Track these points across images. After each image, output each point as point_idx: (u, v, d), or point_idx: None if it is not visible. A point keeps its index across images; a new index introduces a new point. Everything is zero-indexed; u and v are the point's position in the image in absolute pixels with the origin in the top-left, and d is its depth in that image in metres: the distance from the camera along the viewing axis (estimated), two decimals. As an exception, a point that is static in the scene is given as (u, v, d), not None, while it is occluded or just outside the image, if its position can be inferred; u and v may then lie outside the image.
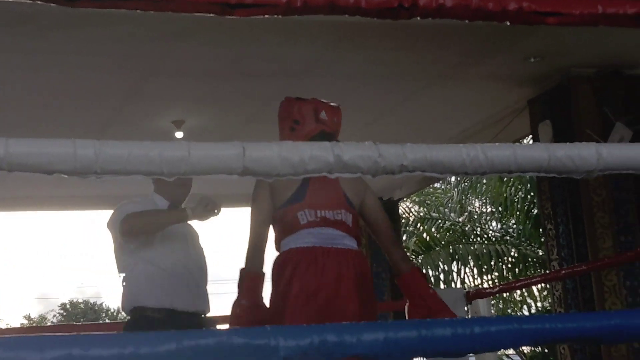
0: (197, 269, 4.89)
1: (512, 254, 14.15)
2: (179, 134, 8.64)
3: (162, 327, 4.42)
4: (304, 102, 4.16)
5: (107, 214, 5.04)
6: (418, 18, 1.90)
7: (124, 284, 4.89)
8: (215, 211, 4.70)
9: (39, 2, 1.69)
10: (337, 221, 3.94)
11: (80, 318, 45.25)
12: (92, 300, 51.15)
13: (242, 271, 3.95)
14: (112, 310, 51.29)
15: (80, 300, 50.69)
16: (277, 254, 4.08)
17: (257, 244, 3.98)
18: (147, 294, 4.76)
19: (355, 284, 3.85)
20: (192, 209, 4.69)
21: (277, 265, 3.95)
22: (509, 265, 14.12)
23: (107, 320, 44.71)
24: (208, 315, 4.98)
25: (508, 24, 1.94)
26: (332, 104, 4.19)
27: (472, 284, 14.07)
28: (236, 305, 3.91)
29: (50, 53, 6.70)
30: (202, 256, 5.00)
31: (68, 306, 49.78)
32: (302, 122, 4.09)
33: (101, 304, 51.29)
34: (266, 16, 1.80)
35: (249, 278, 3.91)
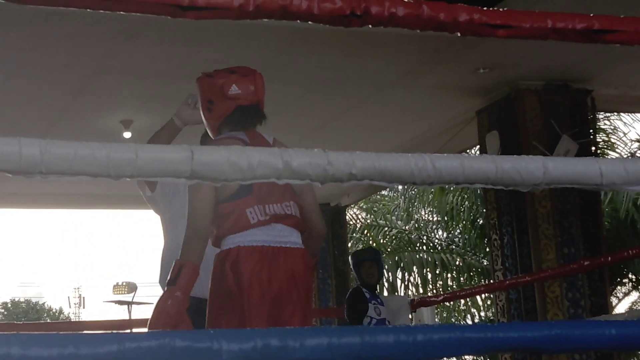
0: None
1: (457, 263, 14.23)
2: (127, 134, 8.59)
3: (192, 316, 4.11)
4: (213, 78, 3.93)
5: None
6: (369, 27, 1.91)
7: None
8: (190, 102, 4.54)
9: (-13, -2, 1.67)
10: (287, 215, 3.73)
11: (22, 317, 44.80)
12: (34, 300, 50.70)
13: (180, 262, 3.58)
14: (54, 310, 50.86)
15: (22, 299, 50.22)
16: (216, 249, 3.82)
17: (200, 235, 3.66)
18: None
19: (304, 285, 3.72)
20: (175, 113, 4.55)
21: (225, 262, 3.71)
22: (454, 274, 14.21)
23: (48, 320, 44.31)
24: None
25: (459, 35, 1.96)
26: (245, 72, 3.90)
27: (417, 292, 14.14)
28: (168, 298, 3.52)
29: (-2, 49, 6.63)
30: None
31: (9, 305, 49.26)
32: (216, 101, 3.88)
33: (43, 304, 50.86)
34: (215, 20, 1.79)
35: (189, 270, 3.55)
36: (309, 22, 1.89)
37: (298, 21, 1.89)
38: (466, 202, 14.14)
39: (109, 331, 1.67)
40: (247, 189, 3.70)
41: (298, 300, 3.69)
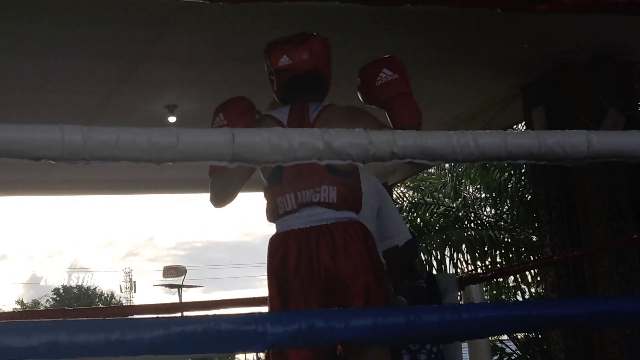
0: None
1: (506, 239, 14.14)
2: (172, 119, 8.63)
3: None
4: (268, 50, 3.84)
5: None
6: (408, 5, 1.90)
7: None
8: None
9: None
10: (317, 203, 3.62)
11: (74, 303, 45.31)
12: (85, 285, 51.23)
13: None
14: (106, 295, 51.35)
15: (74, 285, 50.76)
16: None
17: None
18: None
19: (347, 255, 3.56)
20: None
21: (268, 250, 3.72)
22: (503, 251, 14.12)
23: (100, 305, 44.79)
24: None
25: (499, 11, 1.94)
26: (299, 40, 3.78)
27: (465, 270, 14.08)
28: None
29: (41, 37, 6.67)
30: None
31: (61, 291, 49.82)
32: (274, 73, 3.80)
33: (95, 289, 51.38)
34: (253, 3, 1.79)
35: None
36: (347, 2, 1.89)
37: (337, 2, 1.88)
38: (513, 178, 14.04)
39: (155, 315, 1.68)
40: (278, 178, 3.67)
41: (338, 271, 3.56)
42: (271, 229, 3.80)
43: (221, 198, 3.81)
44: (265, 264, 3.74)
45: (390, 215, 4.93)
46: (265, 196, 3.77)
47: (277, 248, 3.67)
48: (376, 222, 4.77)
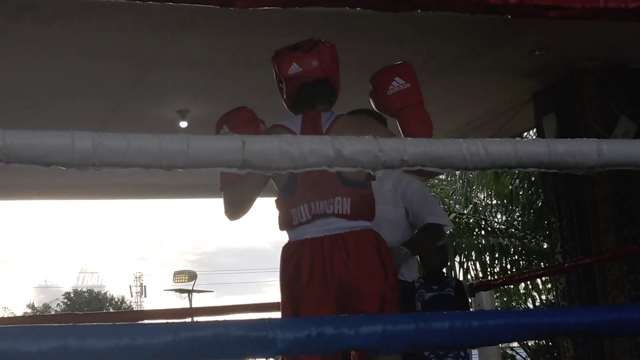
0: None
1: (517, 246, 14.12)
2: (184, 124, 8.65)
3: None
4: (277, 57, 3.79)
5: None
6: (419, 11, 1.90)
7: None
8: None
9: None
10: (331, 214, 3.59)
11: (85, 307, 45.38)
12: (96, 289, 51.31)
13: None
14: (117, 299, 51.42)
15: (85, 289, 50.83)
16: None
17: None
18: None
19: (359, 263, 3.54)
20: None
21: (282, 258, 3.71)
22: (514, 258, 14.10)
23: (110, 310, 44.82)
24: None
25: (509, 17, 1.94)
26: (308, 47, 3.75)
27: (476, 277, 14.06)
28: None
29: (53, 42, 6.70)
30: None
31: (72, 295, 49.90)
32: (283, 82, 3.76)
33: (105, 293, 51.45)
34: (266, 8, 1.79)
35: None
36: (358, 8, 1.88)
37: (347, 7, 1.88)
38: (525, 185, 14.03)
39: (166, 320, 1.68)
40: (291, 189, 3.65)
41: (352, 280, 3.54)
42: (282, 234, 3.80)
43: (235, 210, 3.81)
44: (276, 270, 3.74)
45: (424, 202, 4.93)
46: (277, 206, 3.76)
47: (291, 256, 3.66)
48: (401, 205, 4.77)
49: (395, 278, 3.69)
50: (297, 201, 3.64)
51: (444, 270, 5.72)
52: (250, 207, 3.82)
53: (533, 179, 13.51)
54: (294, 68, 3.71)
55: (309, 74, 3.72)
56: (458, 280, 7.28)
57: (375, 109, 3.94)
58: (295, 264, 3.62)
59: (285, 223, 3.70)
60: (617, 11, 1.89)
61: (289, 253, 3.68)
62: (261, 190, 3.77)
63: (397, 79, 3.83)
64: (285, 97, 3.83)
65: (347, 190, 3.63)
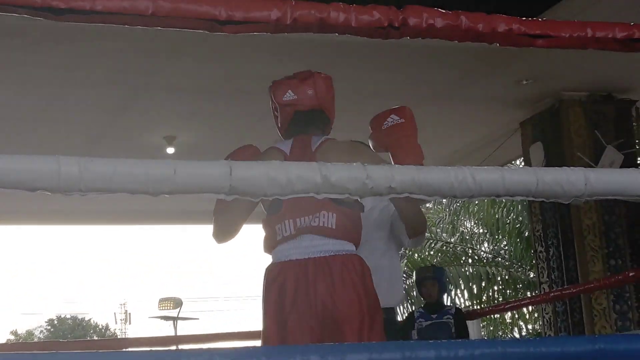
0: None
1: (503, 275, 14.13)
2: (170, 150, 8.62)
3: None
4: (273, 86, 3.83)
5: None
6: (408, 38, 1.90)
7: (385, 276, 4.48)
8: None
9: (25, 16, 1.68)
10: (316, 227, 3.57)
11: (68, 334, 45.10)
12: (79, 316, 50.99)
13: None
14: (101, 327, 51.12)
15: (68, 316, 50.52)
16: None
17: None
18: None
19: (344, 291, 3.51)
20: None
21: (265, 279, 3.66)
22: (500, 287, 14.11)
23: (94, 337, 44.60)
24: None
25: (498, 45, 1.94)
26: (304, 76, 3.77)
27: (463, 306, 14.05)
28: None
29: (40, 67, 6.68)
30: None
31: (55, 322, 49.60)
32: (278, 109, 3.78)
33: (89, 320, 51.12)
34: (255, 34, 1.79)
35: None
36: (347, 35, 1.88)
37: (336, 34, 1.88)
38: (512, 214, 14.04)
39: (150, 348, 1.66)
40: (277, 206, 3.62)
41: (335, 308, 3.50)
42: (268, 260, 3.77)
43: (223, 234, 3.82)
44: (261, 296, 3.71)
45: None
46: (263, 227, 3.74)
47: (274, 279, 3.63)
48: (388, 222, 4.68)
49: (377, 306, 3.67)
50: (283, 217, 3.62)
51: (444, 298, 5.73)
52: (237, 232, 3.82)
53: (520, 207, 13.53)
54: (289, 95, 3.73)
55: (304, 101, 3.73)
56: (457, 307, 7.25)
57: (373, 149, 3.99)
58: (280, 285, 3.59)
59: (270, 241, 3.67)
60: (604, 41, 1.90)
61: (273, 274, 3.65)
62: (250, 212, 3.76)
63: (392, 116, 3.94)
64: (279, 125, 3.83)
65: (334, 206, 3.60)
